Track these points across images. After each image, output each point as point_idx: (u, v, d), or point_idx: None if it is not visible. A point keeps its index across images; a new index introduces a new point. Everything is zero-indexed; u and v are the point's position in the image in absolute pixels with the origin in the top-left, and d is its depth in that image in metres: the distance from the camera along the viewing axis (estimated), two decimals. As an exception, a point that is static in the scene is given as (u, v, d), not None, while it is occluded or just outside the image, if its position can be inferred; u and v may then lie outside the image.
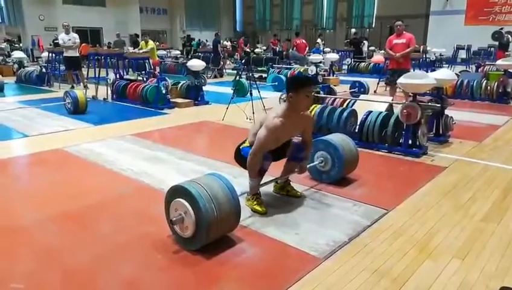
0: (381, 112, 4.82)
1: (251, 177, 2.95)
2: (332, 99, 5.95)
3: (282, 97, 5.67)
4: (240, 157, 3.04)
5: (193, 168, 4.07)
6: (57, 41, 11.22)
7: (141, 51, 10.52)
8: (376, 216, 2.93)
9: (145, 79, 8.61)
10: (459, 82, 8.49)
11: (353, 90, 8.51)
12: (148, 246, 2.54)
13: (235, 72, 8.34)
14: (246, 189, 3.04)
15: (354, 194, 3.35)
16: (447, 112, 5.06)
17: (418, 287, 2.11)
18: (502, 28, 13.41)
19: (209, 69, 13.10)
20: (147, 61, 10.06)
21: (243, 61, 12.18)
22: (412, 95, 4.56)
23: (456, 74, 8.48)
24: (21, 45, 20.36)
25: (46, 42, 17.87)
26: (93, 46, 14.00)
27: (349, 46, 16.43)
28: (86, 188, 3.58)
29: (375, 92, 9.27)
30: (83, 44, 14.66)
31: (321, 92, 6.20)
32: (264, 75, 12.14)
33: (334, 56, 12.83)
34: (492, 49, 15.32)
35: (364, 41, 18.07)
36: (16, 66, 13.22)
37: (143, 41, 11.10)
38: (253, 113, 5.86)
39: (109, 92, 8.64)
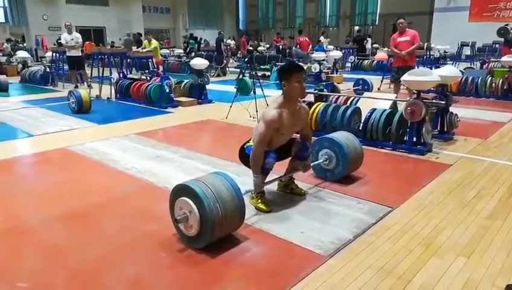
0: (385, 110, 4.79)
1: (255, 174, 2.94)
2: (336, 97, 5.93)
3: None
4: (244, 156, 3.04)
5: (197, 166, 4.07)
6: (60, 41, 11.26)
7: (144, 50, 10.53)
8: (381, 214, 2.92)
9: (148, 78, 8.62)
10: (463, 79, 8.44)
11: (357, 87, 8.47)
12: (152, 245, 2.55)
13: (238, 70, 8.32)
14: (250, 187, 3.03)
15: (359, 192, 3.34)
16: (451, 109, 5.03)
17: (424, 285, 2.10)
18: (507, 24, 13.27)
19: (212, 68, 13.10)
20: (150, 60, 10.06)
21: (246, 59, 12.18)
22: (416, 92, 4.54)
23: (460, 70, 8.43)
24: (25, 44, 20.45)
25: (50, 42, 17.95)
26: (97, 46, 14.04)
27: (353, 44, 16.37)
28: (90, 187, 3.59)
29: (379, 89, 9.24)
30: (87, 42, 14.70)
31: (325, 90, 6.18)
32: (268, 73, 12.13)
33: (337, 54, 12.80)
34: (497, 45, 15.21)
35: (368, 39, 18.01)
36: (20, 66, 13.27)
37: (146, 41, 11.11)
38: (257, 111, 5.85)
39: (113, 91, 8.66)
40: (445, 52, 15.72)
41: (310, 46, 14.09)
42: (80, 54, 10.11)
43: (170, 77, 8.16)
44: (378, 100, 5.48)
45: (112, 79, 8.75)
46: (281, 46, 18.09)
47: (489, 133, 5.31)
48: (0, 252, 2.52)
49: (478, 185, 3.51)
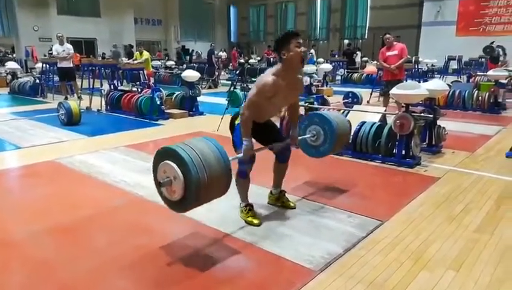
0: (374, 123, 4.85)
1: (244, 137, 2.80)
2: (326, 110, 5.98)
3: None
4: (233, 130, 3.00)
5: (187, 179, 4.05)
6: (51, 52, 11.21)
7: (136, 62, 10.54)
8: (371, 227, 2.94)
9: (139, 90, 8.61)
10: (451, 92, 8.59)
11: (346, 100, 8.54)
12: (142, 259, 2.52)
13: (230, 82, 8.37)
14: (239, 201, 3.03)
15: (349, 205, 3.36)
16: (439, 122, 5.11)
17: (413, 300, 2.11)
18: (492, 42, 13.61)
19: (203, 80, 13.14)
20: (141, 72, 10.07)
21: (238, 72, 12.23)
22: (404, 105, 4.60)
23: (447, 84, 8.58)
24: (14, 55, 20.30)
25: (41, 53, 17.85)
26: (87, 57, 14.01)
27: (343, 57, 16.60)
28: (79, 201, 3.55)
29: (368, 102, 9.35)
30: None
31: (315, 102, 6.24)
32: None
33: (327, 67, 12.94)
34: (483, 59, 15.55)
35: (358, 52, 18.27)
36: (9, 77, 13.15)
37: (137, 52, 11.13)
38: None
39: (103, 103, 8.63)
40: (432, 65, 16.01)
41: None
42: (71, 66, 10.08)
43: (161, 88, 8.17)
44: (367, 113, 5.54)
45: (103, 91, 8.72)
46: (272, 59, 18.23)
47: (476, 146, 5.39)
48: (-14, 268, 2.47)
49: (466, 198, 3.55)
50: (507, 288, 2.22)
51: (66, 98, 9.59)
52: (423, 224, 3.02)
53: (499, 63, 12.57)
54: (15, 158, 5.07)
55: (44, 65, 11.35)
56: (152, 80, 11.13)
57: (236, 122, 2.97)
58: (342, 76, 15.33)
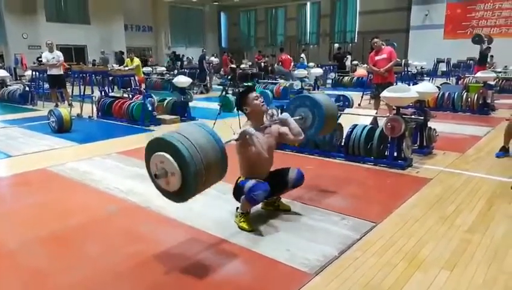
0: (366, 126, 4.89)
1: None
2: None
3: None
4: (238, 191, 3.00)
5: (181, 185, 4.03)
6: (41, 59, 11.13)
7: (126, 68, 10.50)
8: (365, 229, 2.96)
9: (130, 96, 8.58)
10: (440, 94, 8.69)
11: (338, 104, 8.61)
12: (137, 267, 2.50)
13: (222, 87, 8.38)
14: (233, 207, 3.03)
15: (343, 208, 3.38)
16: (430, 124, 5.17)
17: (409, 300, 2.12)
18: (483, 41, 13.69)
19: (195, 85, 13.14)
20: (133, 78, 10.03)
21: (229, 77, 12.26)
22: (395, 108, 4.65)
23: (437, 86, 8.69)
24: (3, 63, 20.09)
25: (30, 60, 17.70)
26: (77, 64, 13.91)
27: (333, 61, 16.72)
28: (71, 209, 3.52)
29: (359, 105, 9.41)
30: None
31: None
32: (250, 90, 12.20)
33: (318, 71, 13.03)
34: (471, 61, 15.77)
35: (348, 56, 18.42)
36: (-2, 85, 13.00)
37: (128, 59, 11.09)
38: (240, 128, 5.87)
39: (94, 109, 8.57)
40: (422, 68, 16.19)
41: (292, 64, 14.31)
42: (62, 73, 10.01)
43: (152, 94, 8.14)
44: (359, 116, 5.58)
45: (94, 97, 8.67)
46: (262, 64, 18.31)
47: (466, 147, 5.46)
48: (-23, 278, 2.44)
49: (458, 198, 3.59)
50: (500, 287, 2.25)
51: (57, 106, 9.51)
52: (416, 225, 3.04)
53: (486, 64, 12.76)
54: (5, 167, 5.01)
55: (34, 73, 11.25)
56: (143, 86, 11.10)
57: (238, 181, 3.03)
58: (332, 80, 15.44)
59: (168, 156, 2.25)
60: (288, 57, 13.97)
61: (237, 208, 3.07)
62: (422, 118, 4.93)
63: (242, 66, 18.60)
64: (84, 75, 9.91)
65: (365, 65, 13.97)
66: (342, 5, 25.21)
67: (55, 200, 3.78)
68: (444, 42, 20.03)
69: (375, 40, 7.30)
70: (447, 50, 17.58)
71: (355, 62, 18.44)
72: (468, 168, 4.52)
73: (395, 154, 4.57)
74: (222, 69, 18.88)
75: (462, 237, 2.83)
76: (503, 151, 4.93)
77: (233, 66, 14.72)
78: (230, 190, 3.34)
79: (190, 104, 8.29)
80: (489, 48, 12.97)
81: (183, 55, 22.07)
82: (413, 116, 4.88)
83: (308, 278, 2.33)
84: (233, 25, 31.03)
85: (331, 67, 16.22)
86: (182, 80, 8.00)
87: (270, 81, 12.80)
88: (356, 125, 4.94)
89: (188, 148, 2.22)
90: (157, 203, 3.51)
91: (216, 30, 31.32)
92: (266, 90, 10.59)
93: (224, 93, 8.53)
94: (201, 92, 13.51)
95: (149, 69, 17.04)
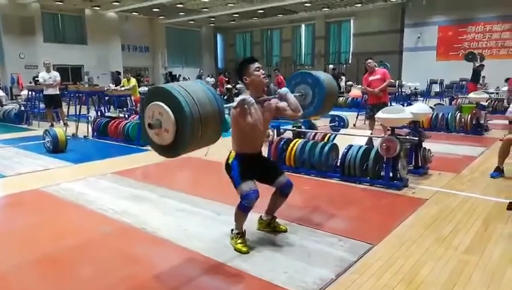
0: (361, 146, 4.92)
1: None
2: (314, 133, 6.05)
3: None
4: (229, 169, 3.01)
5: (176, 206, 4.01)
6: (37, 78, 11.16)
7: (123, 88, 10.56)
8: (362, 251, 2.93)
9: (126, 116, 8.59)
10: (434, 115, 8.78)
11: (333, 124, 8.69)
12: (130, 290, 2.46)
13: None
14: (228, 228, 3.00)
15: (340, 229, 3.36)
16: (424, 144, 5.20)
17: (407, 324, 2.09)
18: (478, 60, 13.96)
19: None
20: (129, 98, 10.07)
21: (225, 97, 12.33)
22: (390, 129, 4.69)
23: (430, 107, 8.80)
24: (0, 83, 20.13)
25: (26, 80, 17.76)
26: (74, 84, 13.98)
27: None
28: (65, 230, 3.47)
29: (354, 125, 9.48)
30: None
31: (302, 126, 6.32)
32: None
33: (313, 91, 13.11)
34: (463, 82, 16.03)
35: (342, 77, 18.67)
36: (-7, 104, 12.99)
37: (125, 79, 11.16)
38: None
39: (90, 129, 8.57)
40: (415, 89, 16.42)
41: (286, 84, 14.44)
42: (58, 93, 10.04)
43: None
44: (354, 137, 5.62)
45: (90, 117, 8.67)
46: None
47: (461, 167, 5.48)
48: (-34, 303, 2.38)
49: (454, 219, 3.58)
50: (499, 309, 2.22)
51: (52, 125, 9.50)
52: (413, 246, 3.02)
53: (479, 82, 12.98)
54: (-1, 187, 4.96)
55: (30, 92, 11.28)
56: (140, 105, 11.12)
57: (230, 161, 3.00)
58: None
59: (167, 109, 2.19)
60: (282, 78, 14.14)
61: (232, 229, 3.03)
62: (417, 138, 4.97)
63: (238, 86, 18.77)
64: (80, 94, 9.94)
65: (359, 86, 14.14)
66: (336, 27, 25.73)
67: (49, 221, 3.73)
68: (437, 63, 20.42)
69: (369, 61, 7.42)
70: (440, 71, 17.89)
71: (349, 83, 18.69)
72: (464, 188, 4.54)
73: (391, 174, 4.58)
74: (218, 89, 19.03)
75: (460, 258, 2.82)
76: (498, 172, 4.96)
77: (229, 86, 14.85)
78: (225, 210, 3.34)
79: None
80: (483, 65, 13.22)
81: (179, 75, 22.26)
82: (408, 137, 4.91)
83: (305, 302, 2.30)
84: (230, 46, 31.46)
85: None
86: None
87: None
88: (352, 145, 4.96)
89: (190, 106, 2.16)
90: (151, 224, 3.49)
91: (212, 51, 31.71)
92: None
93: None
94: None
95: (145, 89, 17.14)
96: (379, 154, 4.59)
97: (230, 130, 3.03)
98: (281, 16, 25.46)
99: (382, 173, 4.69)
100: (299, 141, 5.34)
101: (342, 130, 7.02)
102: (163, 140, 2.26)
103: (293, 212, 3.69)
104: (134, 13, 24.43)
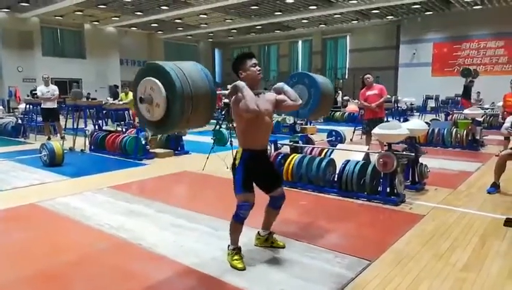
0: (358, 161, 4.93)
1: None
2: (311, 148, 6.07)
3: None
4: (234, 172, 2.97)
5: (173, 221, 3.99)
6: (35, 92, 11.19)
7: (121, 102, 10.60)
8: (360, 268, 2.92)
9: (124, 130, 8.60)
10: (430, 130, 8.83)
11: (330, 138, 8.72)
12: (126, 307, 2.43)
13: (215, 121, 8.46)
14: (225, 243, 2.99)
15: (337, 245, 3.34)
16: (421, 160, 5.23)
17: None
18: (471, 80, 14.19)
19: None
20: (127, 112, 10.11)
21: (223, 111, 12.35)
22: (387, 144, 4.72)
23: (426, 122, 8.86)
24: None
25: (24, 93, 17.79)
26: (73, 99, 13.95)
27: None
28: (61, 245, 3.44)
29: (351, 140, 9.52)
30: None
31: (300, 141, 6.34)
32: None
33: (310, 106, 13.20)
34: (458, 98, 16.19)
35: (339, 92, 18.83)
36: (-10, 117, 12.99)
37: (123, 93, 11.22)
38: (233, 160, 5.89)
39: (87, 143, 8.56)
40: (411, 104, 16.57)
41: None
42: (56, 106, 10.07)
43: (146, 128, 8.17)
44: (351, 152, 5.64)
45: (87, 131, 8.68)
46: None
47: (458, 183, 5.50)
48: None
49: (451, 235, 3.58)
50: (497, 328, 2.21)
51: (49, 139, 9.49)
52: (411, 263, 3.01)
53: (472, 101, 13.14)
54: (-6, 201, 4.92)
55: (27, 105, 11.29)
56: (137, 119, 11.15)
57: (237, 161, 2.95)
58: (324, 115, 15.65)
59: (159, 83, 2.22)
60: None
61: (228, 245, 3.02)
62: (413, 154, 4.99)
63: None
64: (78, 108, 9.96)
65: (356, 100, 14.27)
66: (332, 43, 26.08)
67: (44, 236, 3.70)
68: (432, 79, 20.69)
69: (368, 76, 7.48)
70: (436, 87, 18.11)
71: (346, 98, 18.84)
72: (461, 204, 4.55)
73: (388, 190, 4.59)
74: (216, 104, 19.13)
75: (457, 276, 2.81)
76: (494, 187, 4.98)
77: (227, 100, 14.92)
78: (222, 226, 3.33)
79: (184, 138, 8.33)
80: (473, 81, 13.42)
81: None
82: (404, 153, 4.94)
83: (303, 319, 2.28)
84: (227, 60, 31.73)
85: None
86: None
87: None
88: (349, 160, 4.98)
89: (182, 82, 2.18)
90: (148, 240, 3.46)
91: (210, 65, 31.96)
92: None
93: (217, 127, 8.57)
94: (195, 126, 13.57)
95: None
96: (376, 170, 4.61)
97: (235, 130, 3.02)
98: (278, 31, 25.79)
99: (379, 189, 4.70)
100: (297, 156, 5.36)
101: (339, 145, 7.04)
102: (154, 115, 2.28)
103: (290, 227, 3.68)
104: (133, 28, 24.68)
